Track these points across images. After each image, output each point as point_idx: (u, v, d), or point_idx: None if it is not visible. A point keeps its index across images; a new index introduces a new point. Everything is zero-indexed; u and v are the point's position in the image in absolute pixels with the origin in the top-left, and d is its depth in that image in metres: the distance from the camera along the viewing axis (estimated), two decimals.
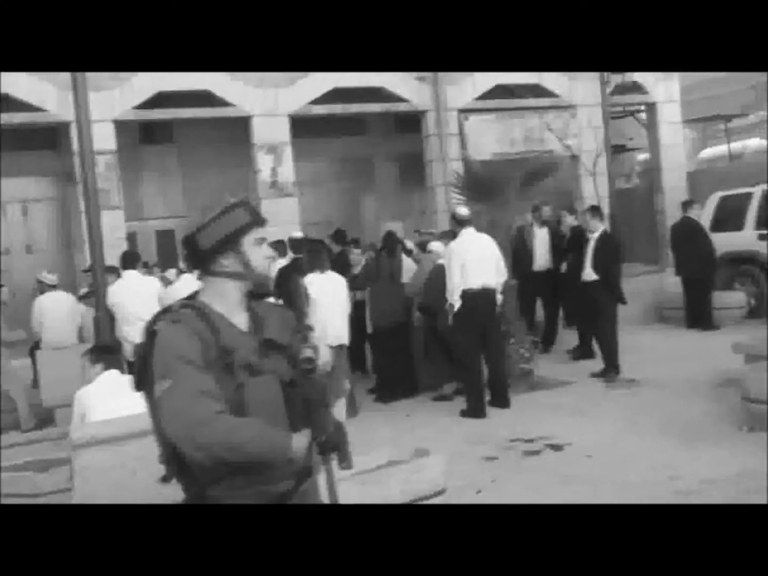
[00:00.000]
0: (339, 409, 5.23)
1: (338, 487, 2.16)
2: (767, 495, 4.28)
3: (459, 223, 7.56)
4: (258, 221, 2.28)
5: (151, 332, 2.17)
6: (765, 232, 10.37)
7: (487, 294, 7.37)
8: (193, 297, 2.28)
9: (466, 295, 7.26)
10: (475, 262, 7.29)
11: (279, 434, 2.09)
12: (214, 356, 2.11)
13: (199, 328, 2.13)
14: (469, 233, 7.48)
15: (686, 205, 10.89)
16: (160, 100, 11.01)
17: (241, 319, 2.25)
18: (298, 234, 9.63)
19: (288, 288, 2.30)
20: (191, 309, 2.19)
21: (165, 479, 2.23)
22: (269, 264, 2.31)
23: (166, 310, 2.22)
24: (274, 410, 2.15)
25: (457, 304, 7.27)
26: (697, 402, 6.93)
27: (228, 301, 2.24)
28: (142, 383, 2.19)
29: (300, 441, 2.07)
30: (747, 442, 5.68)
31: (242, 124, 11.70)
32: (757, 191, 10.87)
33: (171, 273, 9.19)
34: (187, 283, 7.36)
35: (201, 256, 2.24)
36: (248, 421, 2.08)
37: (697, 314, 10.47)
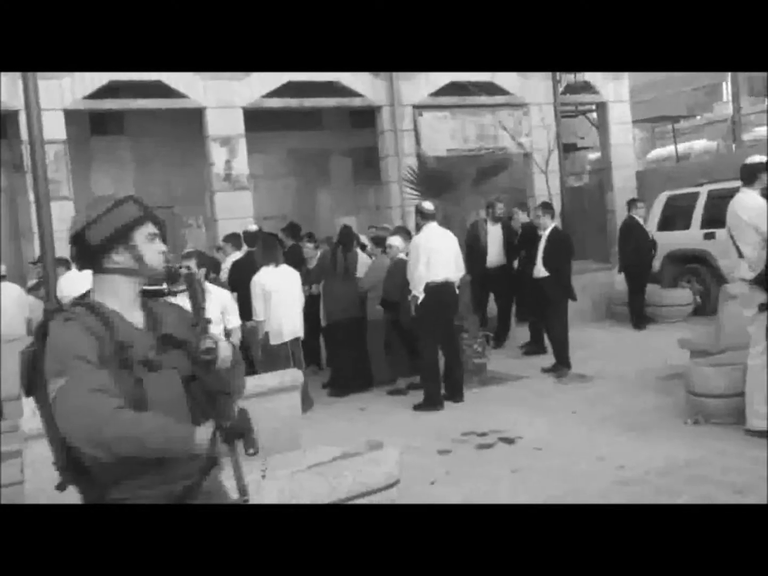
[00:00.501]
0: (292, 402, 5.26)
1: (246, 478, 2.14)
2: (767, 495, 4.36)
3: (424, 216, 7.66)
4: (149, 216, 2.24)
5: (42, 333, 2.13)
6: (710, 231, 10.62)
7: (449, 287, 7.49)
8: (85, 296, 2.25)
9: (430, 288, 7.36)
10: (438, 256, 7.42)
11: (181, 426, 2.06)
12: (109, 352, 2.08)
13: (92, 325, 2.10)
14: (432, 227, 7.60)
15: (630, 204, 11.11)
16: (112, 90, 10.86)
17: (136, 317, 2.23)
18: (253, 227, 9.61)
19: (186, 281, 2.27)
20: (83, 307, 2.16)
21: (60, 487, 2.19)
22: (163, 259, 2.27)
23: (56, 310, 2.18)
24: (175, 405, 2.12)
25: (420, 296, 7.37)
26: (643, 396, 7.13)
27: (122, 299, 2.21)
28: (32, 388, 2.14)
29: (203, 433, 2.05)
30: (691, 434, 5.87)
31: (195, 116, 11.60)
32: (703, 191, 11.15)
33: None
34: None
35: (91, 253, 2.20)
36: (149, 415, 2.04)
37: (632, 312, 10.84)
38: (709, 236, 10.71)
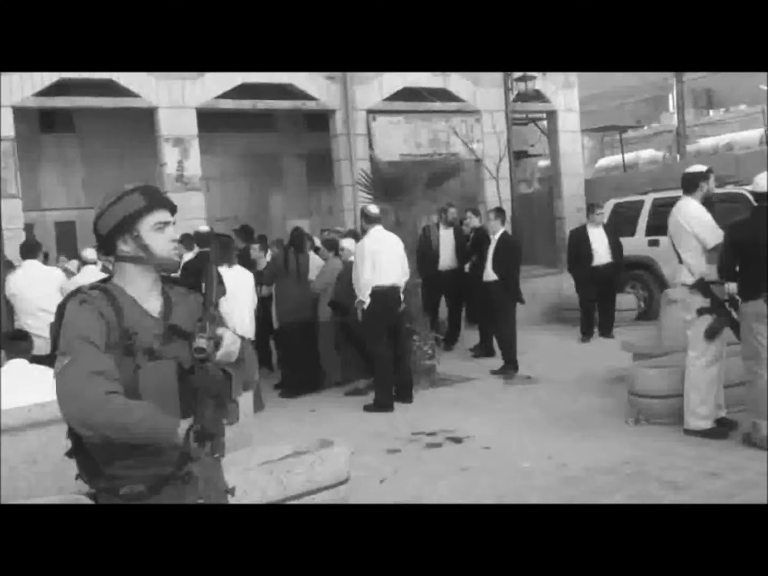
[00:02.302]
0: (244, 402, 5.28)
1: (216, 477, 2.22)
2: (767, 495, 4.43)
3: (369, 220, 7.71)
4: (155, 205, 2.26)
5: (60, 312, 2.21)
6: (654, 238, 10.90)
7: (395, 291, 7.58)
8: (107, 280, 2.31)
9: (377, 292, 7.43)
10: (384, 260, 7.48)
11: (167, 419, 2.11)
12: (115, 338, 2.14)
13: (104, 309, 2.16)
14: (378, 231, 7.66)
15: (588, 209, 10.93)
16: (62, 87, 10.75)
17: (154, 304, 2.28)
18: (204, 228, 9.57)
19: (203, 275, 2.31)
20: (100, 291, 2.22)
21: (69, 454, 2.26)
22: (173, 247, 2.30)
23: (76, 291, 2.24)
24: (167, 395, 2.16)
25: (367, 300, 7.43)
26: (588, 397, 7.32)
27: (139, 286, 2.26)
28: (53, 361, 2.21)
29: (184, 427, 2.11)
30: (633, 434, 6.06)
31: (147, 115, 11.53)
32: (648, 199, 11.44)
33: (73, 264, 9.01)
34: (89, 275, 7.28)
35: (103, 242, 2.29)
36: (139, 404, 2.10)
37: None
38: (653, 243, 10.98)
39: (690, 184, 5.87)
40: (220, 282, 2.39)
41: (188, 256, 8.92)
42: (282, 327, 8.56)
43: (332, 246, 8.72)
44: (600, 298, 10.45)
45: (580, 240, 10.45)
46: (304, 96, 12.45)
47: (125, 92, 11.13)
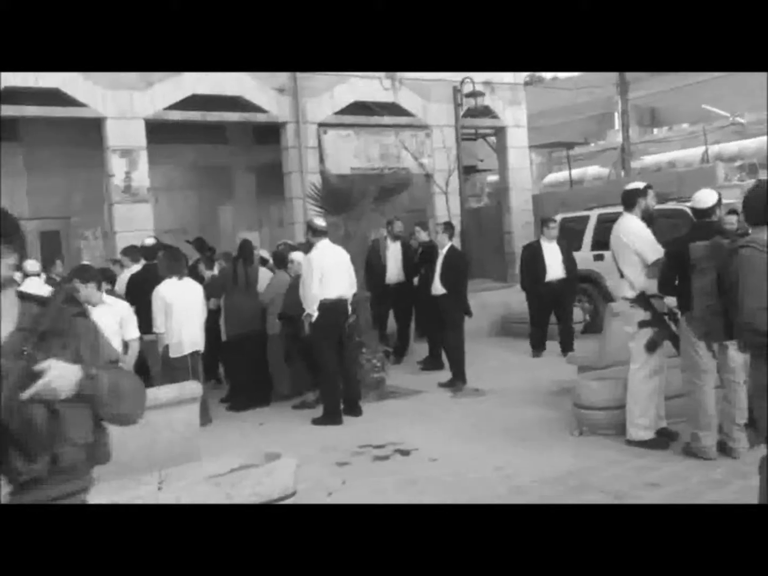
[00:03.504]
0: (189, 416, 5.25)
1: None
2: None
3: (315, 233, 7.73)
4: None
5: None
6: (599, 253, 11.13)
7: (342, 304, 7.61)
8: None
9: (324, 305, 7.45)
10: (332, 273, 7.51)
11: None
12: None
13: None
14: (325, 244, 7.68)
15: (543, 223, 10.73)
16: (7, 96, 10.57)
17: (7, 323, 2.11)
18: (150, 241, 9.49)
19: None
20: None
21: None
22: (11, 272, 2.14)
23: None
24: None
25: (315, 314, 7.45)
26: (534, 409, 7.43)
27: None
28: None
29: None
30: (577, 445, 6.18)
31: (95, 125, 11.41)
32: (593, 215, 11.69)
33: (17, 276, 8.83)
34: (32, 287, 7.16)
35: None
36: None
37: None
38: (598, 258, 11.19)
39: (629, 200, 6.03)
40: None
41: (135, 268, 8.85)
42: (230, 339, 8.52)
43: (281, 258, 8.72)
44: (555, 314, 10.39)
45: (533, 254, 10.39)
46: (255, 108, 12.44)
47: (72, 102, 11.00)
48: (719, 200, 5.63)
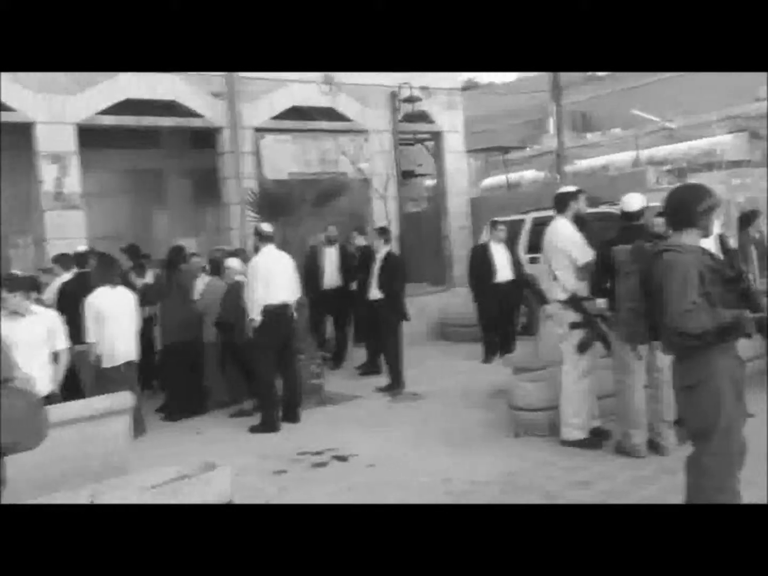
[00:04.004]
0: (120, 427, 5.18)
1: None
2: (767, 495, 4.55)
3: (262, 239, 7.74)
4: None
5: None
6: (535, 256, 11.24)
7: (286, 309, 7.61)
8: None
9: (268, 311, 7.43)
10: (276, 278, 7.52)
11: None
12: None
13: None
14: (270, 249, 7.69)
15: (491, 226, 10.70)
16: None
17: None
18: (82, 248, 9.32)
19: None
20: None
21: None
22: None
23: None
24: None
25: (258, 319, 7.42)
26: (471, 412, 7.51)
27: None
28: None
29: None
30: (513, 447, 6.27)
31: (24, 130, 11.14)
32: (528, 218, 11.84)
33: None
34: None
35: None
36: None
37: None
38: (533, 260, 11.29)
39: (561, 203, 6.16)
40: None
41: (66, 276, 8.67)
42: (165, 348, 8.42)
43: (217, 265, 8.65)
44: (500, 315, 10.27)
45: (482, 256, 10.34)
46: (190, 113, 12.31)
47: (1, 106, 10.72)
48: (646, 204, 5.80)
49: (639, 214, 5.76)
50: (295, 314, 7.83)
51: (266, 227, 7.86)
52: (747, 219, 10.23)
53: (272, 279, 7.50)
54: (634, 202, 5.80)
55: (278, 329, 7.55)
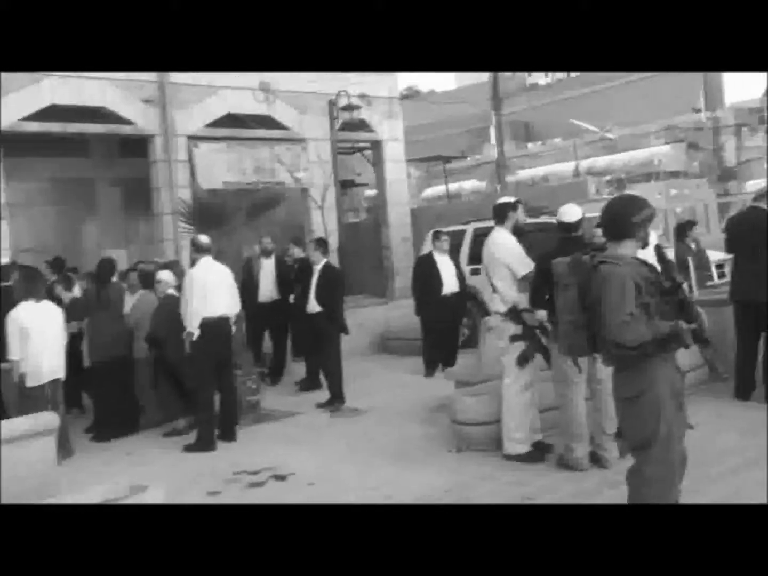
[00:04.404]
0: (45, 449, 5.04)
1: None
2: (767, 494, 4.58)
3: (199, 250, 7.67)
4: None
5: None
6: (476, 267, 11.28)
7: (224, 323, 7.52)
8: None
9: (206, 324, 7.33)
10: (214, 291, 7.43)
11: None
12: None
13: None
14: (208, 261, 7.60)
15: (434, 236, 10.60)
16: None
17: None
18: (6, 260, 9.08)
19: None
20: None
21: None
22: None
23: None
24: None
25: (196, 332, 7.32)
26: (413, 427, 7.51)
27: None
28: None
29: None
30: (455, 462, 6.28)
31: None
32: (469, 229, 11.94)
33: None
34: None
35: None
36: None
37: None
38: (475, 272, 11.34)
39: (500, 214, 6.22)
40: None
41: None
42: (94, 365, 8.24)
43: (147, 278, 8.51)
44: (445, 328, 10.16)
45: (428, 268, 10.24)
46: (119, 119, 12.12)
47: None
48: (583, 215, 5.88)
49: (576, 225, 5.83)
50: (233, 328, 7.73)
51: (203, 239, 7.77)
52: (683, 229, 10.51)
53: (210, 291, 7.41)
54: (571, 213, 5.87)
55: (216, 343, 7.45)
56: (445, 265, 10.30)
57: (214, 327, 7.41)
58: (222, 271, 7.73)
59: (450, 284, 10.22)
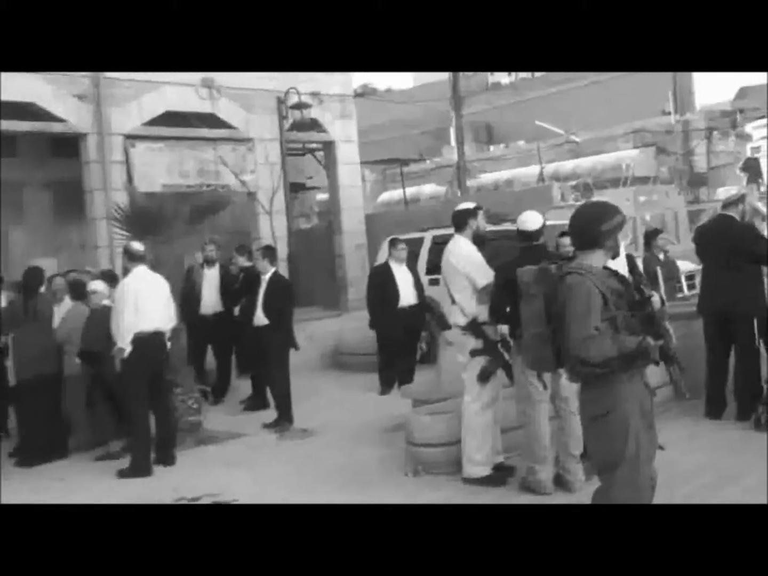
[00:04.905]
0: None
1: None
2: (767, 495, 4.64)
3: (132, 258, 7.58)
4: None
5: None
6: (435, 277, 11.27)
7: (159, 338, 7.43)
8: None
9: (138, 339, 7.23)
10: (148, 303, 7.33)
11: None
12: None
13: None
14: (142, 271, 7.51)
15: (391, 244, 10.63)
16: None
17: None
18: None
19: None
20: None
21: None
22: None
23: None
24: None
25: (127, 348, 7.21)
26: (366, 449, 7.48)
27: None
28: None
29: None
30: (411, 486, 6.27)
31: None
32: (428, 236, 11.98)
33: None
34: None
35: None
36: None
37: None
38: (433, 282, 11.34)
39: (459, 221, 6.24)
40: None
41: None
42: (20, 383, 8.09)
43: (78, 288, 8.39)
44: (402, 343, 10.16)
45: (384, 278, 10.20)
46: (50, 117, 11.96)
47: None
48: (544, 222, 5.91)
49: (537, 233, 5.85)
50: (168, 343, 7.65)
51: (136, 246, 7.69)
52: (648, 238, 10.65)
53: (143, 304, 7.31)
54: (531, 220, 5.89)
55: (150, 360, 7.37)
56: (402, 276, 10.30)
57: (147, 342, 7.31)
58: (157, 282, 7.63)
59: (407, 296, 10.21)
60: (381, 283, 10.26)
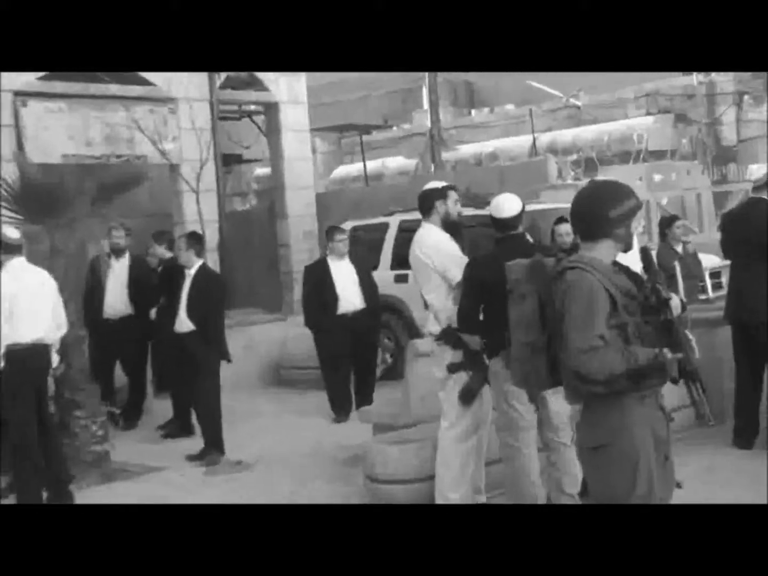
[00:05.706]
0: None
1: None
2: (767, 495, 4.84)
3: (7, 249, 7.44)
4: None
5: None
6: (402, 272, 11.09)
7: (42, 351, 7.34)
8: None
9: (13, 353, 7.14)
10: (26, 307, 7.21)
11: None
12: None
13: None
14: (18, 265, 7.38)
15: (329, 233, 10.62)
16: None
17: None
18: None
19: None
20: None
21: None
22: None
23: None
24: None
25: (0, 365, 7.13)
26: (316, 485, 7.48)
27: None
28: None
29: None
30: None
31: None
32: (394, 222, 11.92)
33: None
34: None
35: None
36: None
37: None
38: (400, 279, 11.22)
39: (425, 205, 6.17)
40: None
41: None
42: None
43: None
44: (353, 357, 10.17)
45: (319, 278, 10.23)
46: None
47: None
48: (522, 207, 5.87)
49: (515, 220, 5.79)
50: (55, 358, 7.58)
51: (11, 233, 7.53)
52: (664, 226, 10.69)
53: (19, 307, 7.19)
54: (507, 206, 5.80)
55: (29, 378, 7.32)
56: (342, 274, 10.25)
57: (25, 357, 7.23)
58: (40, 278, 7.52)
59: (349, 299, 10.20)
60: (316, 283, 10.25)
